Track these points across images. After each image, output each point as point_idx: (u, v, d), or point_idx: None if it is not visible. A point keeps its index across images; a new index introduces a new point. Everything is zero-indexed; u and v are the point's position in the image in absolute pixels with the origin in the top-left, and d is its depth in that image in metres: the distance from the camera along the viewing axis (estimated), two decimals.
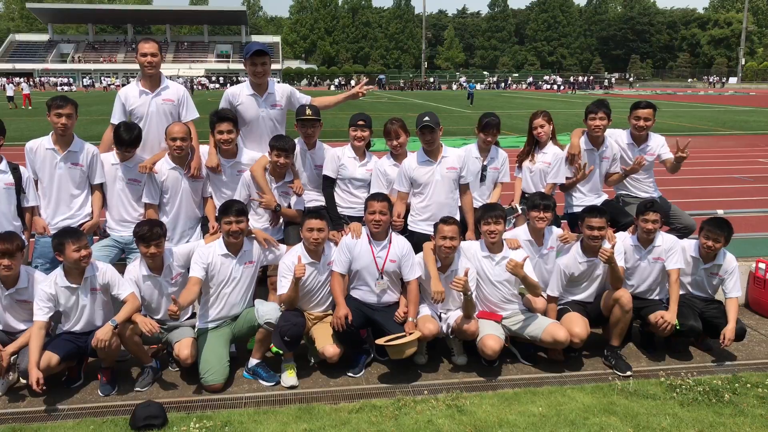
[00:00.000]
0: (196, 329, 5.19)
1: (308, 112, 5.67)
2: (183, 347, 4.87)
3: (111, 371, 4.90)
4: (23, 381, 4.94)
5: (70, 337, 4.83)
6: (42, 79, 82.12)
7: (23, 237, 5.34)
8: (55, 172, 5.39)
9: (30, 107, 39.02)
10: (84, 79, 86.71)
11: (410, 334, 4.95)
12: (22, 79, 55.93)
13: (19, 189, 5.32)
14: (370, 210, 5.17)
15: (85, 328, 4.87)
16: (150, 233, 4.85)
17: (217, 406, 4.61)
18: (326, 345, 5.02)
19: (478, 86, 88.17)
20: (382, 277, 5.21)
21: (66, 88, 75.74)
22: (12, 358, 4.79)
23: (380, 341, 4.93)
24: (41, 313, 4.68)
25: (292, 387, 4.93)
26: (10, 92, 40.73)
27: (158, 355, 5.31)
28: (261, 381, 4.99)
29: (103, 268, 4.90)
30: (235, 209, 5.00)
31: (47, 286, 4.73)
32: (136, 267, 5.06)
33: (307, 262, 5.07)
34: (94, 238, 5.67)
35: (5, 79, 57.66)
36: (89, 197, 5.59)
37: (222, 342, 5.01)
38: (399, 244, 5.28)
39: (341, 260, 5.20)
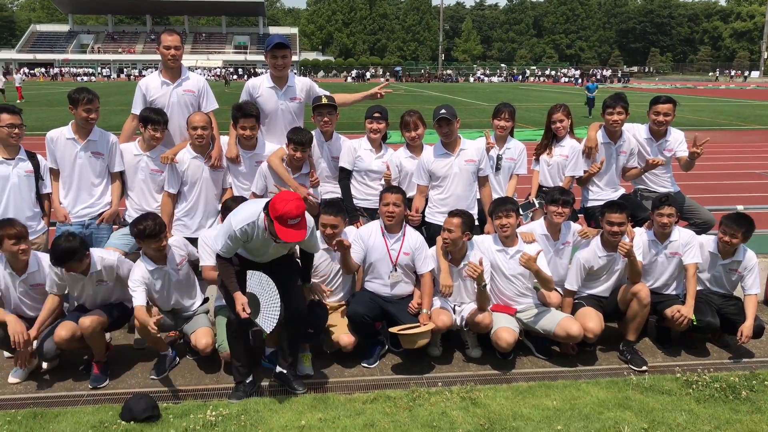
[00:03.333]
0: (214, 308, 5.29)
1: (324, 100, 5.71)
2: (201, 337, 4.94)
3: (104, 363, 4.94)
4: (45, 365, 5.03)
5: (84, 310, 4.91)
6: (63, 69, 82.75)
7: (42, 223, 5.46)
8: (75, 161, 5.46)
9: (22, 100, 36.31)
10: (104, 70, 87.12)
11: (424, 325, 4.97)
12: (13, 69, 53.74)
13: (37, 176, 5.41)
14: (384, 202, 5.22)
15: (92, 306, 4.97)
16: (157, 228, 4.84)
17: None
18: (341, 334, 5.06)
19: (495, 79, 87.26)
20: (395, 270, 5.24)
21: (85, 78, 76.17)
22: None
23: (394, 329, 4.96)
24: (54, 291, 4.80)
25: (307, 376, 4.97)
26: None
27: (175, 344, 5.37)
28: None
29: (108, 261, 4.87)
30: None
31: (55, 275, 4.78)
32: (142, 267, 4.92)
33: (322, 248, 5.13)
34: (114, 226, 5.74)
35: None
36: (109, 186, 5.65)
37: None
38: (412, 237, 5.31)
39: (356, 250, 5.23)
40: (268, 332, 4.53)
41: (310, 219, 4.44)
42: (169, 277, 5.06)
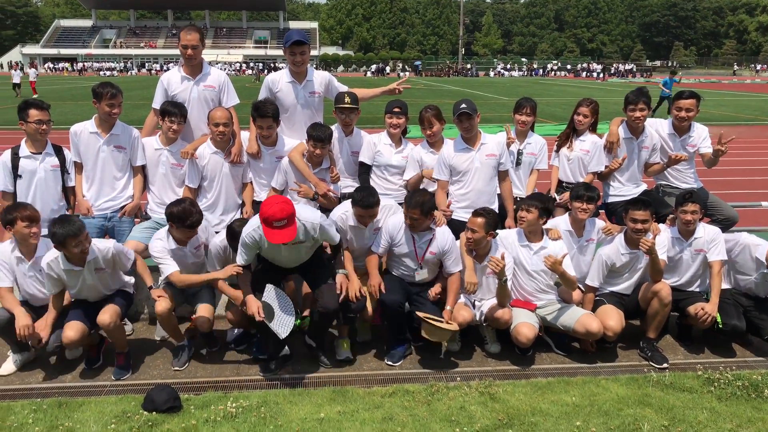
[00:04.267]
0: None
1: (347, 99, 5.70)
2: (200, 312, 5.09)
3: (126, 354, 5.00)
4: (69, 357, 5.11)
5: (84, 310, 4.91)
6: (85, 64, 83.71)
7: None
8: (98, 155, 5.54)
9: (36, 95, 34.21)
10: (119, 65, 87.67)
11: (448, 323, 4.95)
12: (29, 65, 52.72)
13: (63, 170, 5.50)
14: (405, 212, 5.13)
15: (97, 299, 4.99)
16: (197, 219, 4.92)
17: (254, 387, 4.71)
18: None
19: (515, 73, 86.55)
20: (421, 267, 5.22)
21: (108, 73, 76.93)
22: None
23: (421, 314, 4.93)
24: (54, 291, 4.81)
25: (347, 359, 5.10)
26: (16, 79, 36.77)
27: (195, 338, 5.40)
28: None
29: (104, 248, 4.81)
30: None
31: (48, 267, 4.72)
32: (163, 242, 5.01)
33: (350, 225, 5.25)
34: (135, 220, 5.81)
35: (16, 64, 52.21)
36: (131, 179, 5.73)
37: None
38: (443, 238, 5.18)
39: (381, 244, 5.23)
40: (283, 337, 4.69)
41: (312, 216, 4.65)
42: (186, 258, 5.11)
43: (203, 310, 5.08)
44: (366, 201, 5.04)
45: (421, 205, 4.98)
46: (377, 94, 6.44)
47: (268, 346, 4.96)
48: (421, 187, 5.81)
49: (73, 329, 4.68)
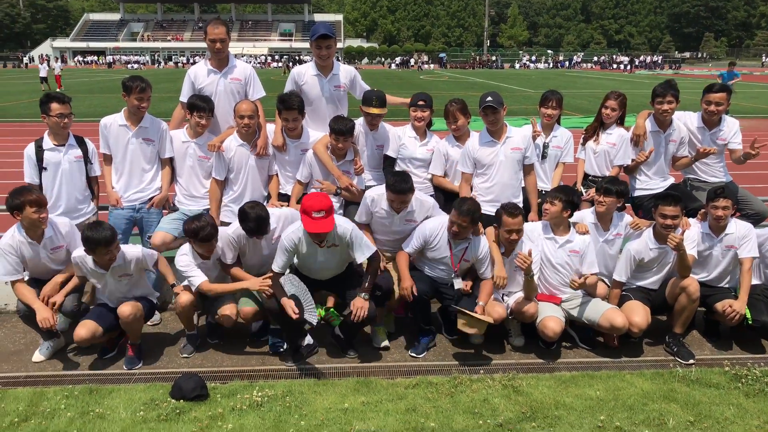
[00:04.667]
0: None
1: (375, 103, 5.66)
2: (224, 309, 5.09)
3: (138, 346, 5.06)
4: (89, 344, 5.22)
5: (108, 309, 5.01)
6: (114, 57, 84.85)
7: (92, 205, 5.66)
8: (127, 147, 5.63)
9: (62, 88, 35.92)
10: (141, 57, 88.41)
11: (482, 315, 4.94)
12: (55, 58, 52.93)
13: (86, 161, 5.60)
14: (450, 219, 5.06)
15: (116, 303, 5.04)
16: (211, 233, 4.91)
17: (279, 376, 4.78)
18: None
19: (541, 65, 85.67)
20: (456, 275, 5.22)
21: (135, 66, 77.83)
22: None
23: (457, 307, 4.93)
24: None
25: (385, 348, 5.20)
26: (43, 73, 37.50)
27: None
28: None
29: (132, 255, 4.93)
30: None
31: (74, 261, 4.87)
32: (188, 256, 5.03)
33: (384, 208, 5.28)
34: (164, 211, 5.89)
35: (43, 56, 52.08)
36: (159, 171, 5.81)
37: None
38: (479, 245, 5.14)
39: (414, 245, 5.20)
40: (314, 324, 4.83)
41: (346, 224, 4.88)
42: (209, 271, 5.16)
43: (227, 308, 5.07)
44: (398, 186, 5.06)
45: (472, 214, 4.91)
46: (396, 104, 6.37)
47: (290, 338, 5.01)
48: (445, 177, 5.82)
49: (85, 327, 4.79)
